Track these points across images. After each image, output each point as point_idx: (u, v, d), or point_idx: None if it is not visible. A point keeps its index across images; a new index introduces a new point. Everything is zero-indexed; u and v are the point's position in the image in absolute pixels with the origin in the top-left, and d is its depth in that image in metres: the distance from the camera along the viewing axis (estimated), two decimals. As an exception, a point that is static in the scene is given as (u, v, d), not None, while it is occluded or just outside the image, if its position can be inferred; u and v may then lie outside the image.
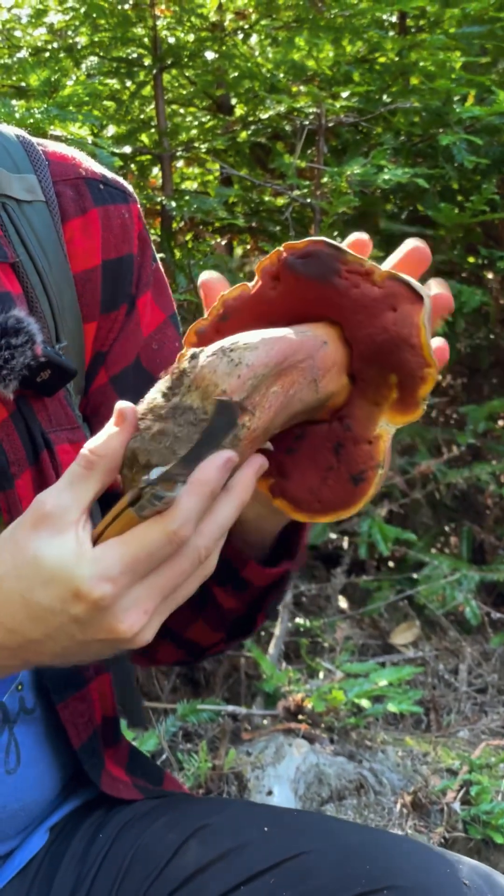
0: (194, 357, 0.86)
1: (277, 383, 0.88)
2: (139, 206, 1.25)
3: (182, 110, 3.43)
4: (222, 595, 1.20)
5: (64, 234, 1.16)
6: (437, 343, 0.98)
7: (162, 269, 1.28)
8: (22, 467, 1.11)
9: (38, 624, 0.87)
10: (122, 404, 0.86)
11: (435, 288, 0.99)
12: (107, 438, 0.86)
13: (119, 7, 2.98)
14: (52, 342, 1.14)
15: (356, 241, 0.98)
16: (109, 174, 1.23)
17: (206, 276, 1.02)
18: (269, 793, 2.32)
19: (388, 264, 0.98)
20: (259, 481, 0.95)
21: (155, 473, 0.81)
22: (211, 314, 0.97)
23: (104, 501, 0.92)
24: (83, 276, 1.17)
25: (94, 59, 3.05)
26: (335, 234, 3.17)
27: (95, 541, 0.86)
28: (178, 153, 3.26)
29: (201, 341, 0.96)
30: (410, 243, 0.98)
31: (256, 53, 3.22)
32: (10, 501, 1.10)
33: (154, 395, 0.86)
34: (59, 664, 0.93)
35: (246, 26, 3.22)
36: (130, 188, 1.25)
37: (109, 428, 0.86)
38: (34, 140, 1.21)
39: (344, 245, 0.97)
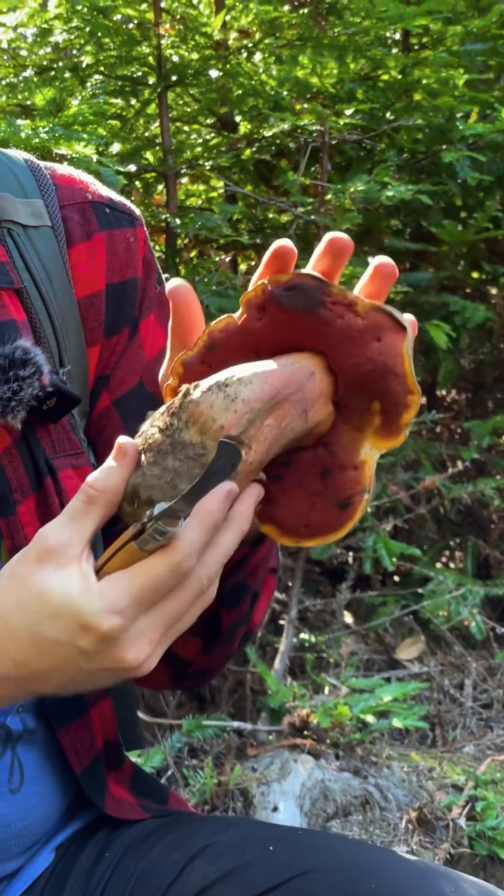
0: (189, 393, 0.89)
1: (271, 416, 0.90)
2: (145, 228, 1.25)
3: (186, 128, 3.45)
4: None
5: (69, 259, 1.17)
6: (409, 317, 0.98)
7: None
8: (25, 494, 1.11)
9: (46, 656, 0.89)
10: (122, 439, 0.88)
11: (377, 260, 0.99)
12: (108, 474, 0.88)
13: (124, 26, 3.00)
14: (56, 368, 1.15)
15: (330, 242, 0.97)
16: (116, 197, 1.24)
17: (175, 284, 1.00)
18: (275, 809, 2.32)
19: (360, 283, 1.00)
20: None
21: (158, 509, 0.83)
22: (197, 345, 0.99)
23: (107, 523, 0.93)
24: (87, 300, 1.18)
25: (98, 78, 3.06)
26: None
27: (98, 572, 0.88)
28: (183, 170, 3.27)
29: (187, 372, 0.98)
30: (377, 260, 0.99)
31: (260, 71, 3.23)
32: (11, 528, 1.11)
33: (152, 431, 0.89)
34: (64, 693, 0.95)
35: (250, 44, 3.23)
36: (137, 211, 1.25)
37: (110, 463, 0.88)
38: (42, 164, 1.22)
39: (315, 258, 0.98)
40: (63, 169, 1.23)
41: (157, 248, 3.17)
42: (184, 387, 0.90)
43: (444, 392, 3.77)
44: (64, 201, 1.19)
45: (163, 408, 0.91)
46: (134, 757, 2.13)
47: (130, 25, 3.02)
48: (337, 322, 0.95)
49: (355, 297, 0.95)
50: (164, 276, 1.30)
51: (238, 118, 3.37)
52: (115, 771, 1.28)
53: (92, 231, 1.19)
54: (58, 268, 1.16)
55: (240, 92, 3.09)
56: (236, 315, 0.99)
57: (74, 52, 3.10)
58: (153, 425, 0.89)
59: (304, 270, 0.96)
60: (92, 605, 0.85)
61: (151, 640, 0.88)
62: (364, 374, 0.94)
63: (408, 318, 0.99)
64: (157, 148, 3.20)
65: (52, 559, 0.87)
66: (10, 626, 0.89)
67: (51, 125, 2.39)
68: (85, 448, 1.19)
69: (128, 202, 1.25)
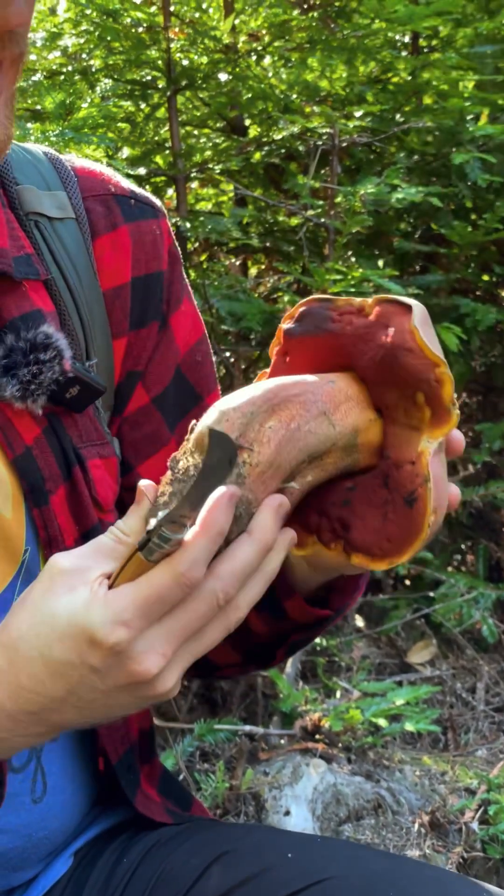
0: (192, 428, 0.88)
1: (273, 418, 0.89)
2: (168, 220, 1.24)
3: (196, 132, 3.45)
4: (254, 618, 1.18)
5: (94, 251, 1.16)
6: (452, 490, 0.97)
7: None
8: (56, 483, 1.11)
9: (59, 680, 0.86)
10: (142, 483, 0.88)
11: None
12: (131, 517, 0.88)
13: (133, 30, 3.00)
14: (82, 359, 1.14)
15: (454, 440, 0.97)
16: (138, 189, 1.23)
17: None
18: (287, 813, 2.32)
19: None
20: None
21: (160, 515, 0.81)
22: None
23: None
24: (113, 292, 1.17)
25: (108, 82, 3.06)
26: (349, 253, 3.18)
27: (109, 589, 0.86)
28: (193, 174, 3.27)
29: None
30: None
31: (270, 75, 3.23)
32: (45, 518, 1.10)
33: (167, 472, 0.88)
34: (85, 723, 0.92)
35: (259, 48, 3.23)
36: (159, 203, 1.24)
37: (133, 508, 0.88)
38: (62, 156, 1.21)
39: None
40: (82, 161, 1.22)
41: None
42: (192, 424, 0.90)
43: (454, 395, 3.76)
44: (86, 192, 1.18)
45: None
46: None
47: (140, 29, 3.02)
48: (347, 329, 0.95)
49: (362, 302, 0.95)
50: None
51: (247, 121, 3.37)
52: (147, 765, 1.28)
53: (117, 223, 1.18)
54: (83, 259, 1.15)
55: (249, 95, 3.09)
56: (268, 371, 1.01)
57: (84, 56, 3.10)
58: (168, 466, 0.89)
59: (308, 297, 0.99)
60: (96, 617, 0.83)
61: (164, 654, 0.84)
62: (381, 362, 0.93)
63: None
64: (167, 152, 3.20)
65: (65, 581, 0.86)
66: (20, 651, 0.87)
67: (60, 128, 2.40)
68: (110, 439, 1.19)
69: (149, 194, 1.24)
